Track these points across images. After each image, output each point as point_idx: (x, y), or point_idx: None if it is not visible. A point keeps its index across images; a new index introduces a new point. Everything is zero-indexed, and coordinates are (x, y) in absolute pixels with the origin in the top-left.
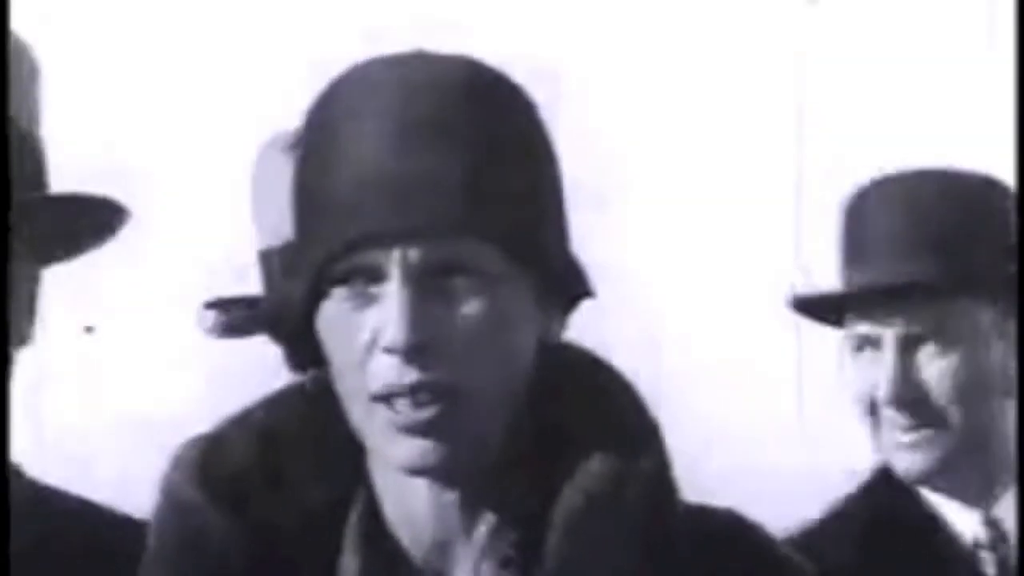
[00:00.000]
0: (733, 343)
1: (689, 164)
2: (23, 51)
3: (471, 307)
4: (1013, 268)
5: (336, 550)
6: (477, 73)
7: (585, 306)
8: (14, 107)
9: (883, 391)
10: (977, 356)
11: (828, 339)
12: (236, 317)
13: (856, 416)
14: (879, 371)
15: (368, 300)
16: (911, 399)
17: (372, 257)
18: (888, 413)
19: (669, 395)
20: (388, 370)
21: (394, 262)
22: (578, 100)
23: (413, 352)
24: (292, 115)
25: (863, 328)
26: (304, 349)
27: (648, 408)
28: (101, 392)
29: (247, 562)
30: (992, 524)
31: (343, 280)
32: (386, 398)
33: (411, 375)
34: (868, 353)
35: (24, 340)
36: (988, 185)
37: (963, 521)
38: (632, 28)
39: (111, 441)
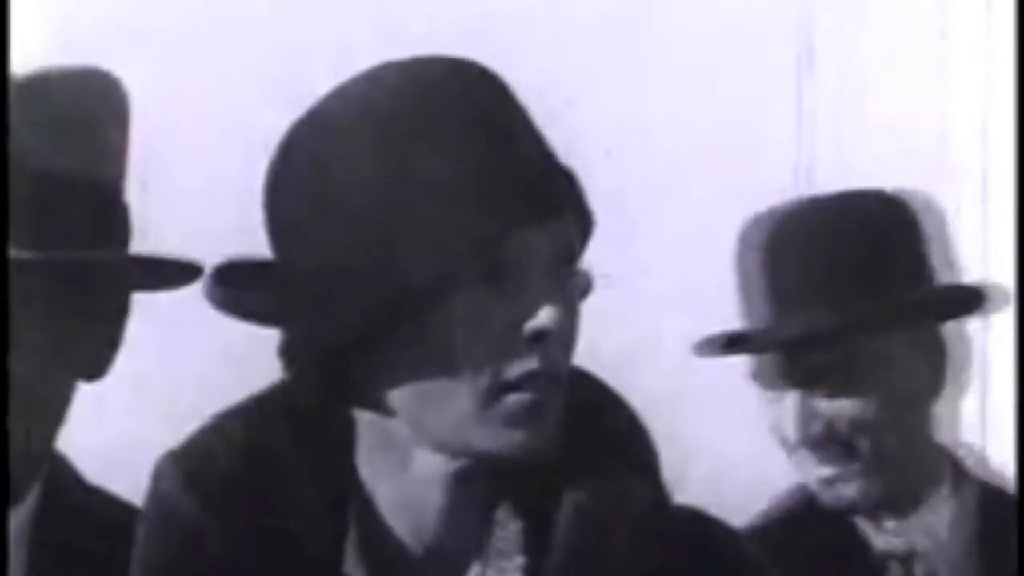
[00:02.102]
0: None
1: (688, 160)
2: (114, 101)
3: (576, 293)
4: (924, 283)
5: (336, 556)
6: (468, 64)
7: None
8: (94, 160)
9: (790, 433)
10: (890, 379)
11: None
12: (256, 298)
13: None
14: (784, 411)
15: (502, 293)
16: (817, 438)
17: (514, 246)
18: (801, 451)
19: (661, 406)
20: (531, 357)
21: (535, 249)
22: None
23: (559, 336)
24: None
25: (765, 369)
26: (343, 354)
27: (641, 420)
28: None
29: (245, 569)
30: (904, 537)
31: (470, 277)
32: (514, 387)
33: (551, 360)
34: (773, 393)
35: (100, 373)
36: (888, 204)
37: (877, 534)
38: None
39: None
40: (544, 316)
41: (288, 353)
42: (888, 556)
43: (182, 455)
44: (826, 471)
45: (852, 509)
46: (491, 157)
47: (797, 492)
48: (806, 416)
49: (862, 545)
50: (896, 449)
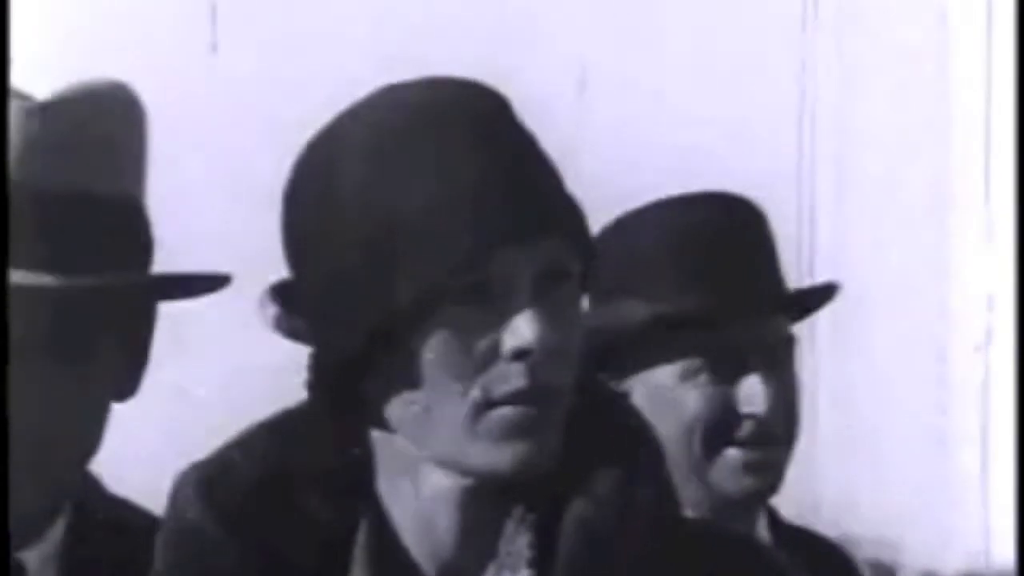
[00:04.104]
0: None
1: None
2: (135, 116)
3: (571, 311)
4: (781, 283)
5: (345, 569)
6: (473, 84)
7: None
8: (122, 178)
9: (705, 418)
10: (791, 370)
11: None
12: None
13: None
14: (705, 400)
15: (486, 310)
16: (760, 418)
17: (497, 264)
18: (738, 436)
19: None
20: (514, 374)
21: (519, 267)
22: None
23: (544, 354)
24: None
25: (669, 361)
26: (350, 372)
27: (652, 428)
28: None
29: None
30: None
31: (454, 294)
32: (501, 403)
33: (536, 378)
34: (694, 381)
35: (131, 391)
36: (745, 206)
37: None
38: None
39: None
40: (525, 334)
41: (308, 371)
42: None
43: (202, 470)
44: (751, 455)
45: (755, 499)
46: (483, 175)
47: None
48: (721, 403)
49: None
50: (790, 452)
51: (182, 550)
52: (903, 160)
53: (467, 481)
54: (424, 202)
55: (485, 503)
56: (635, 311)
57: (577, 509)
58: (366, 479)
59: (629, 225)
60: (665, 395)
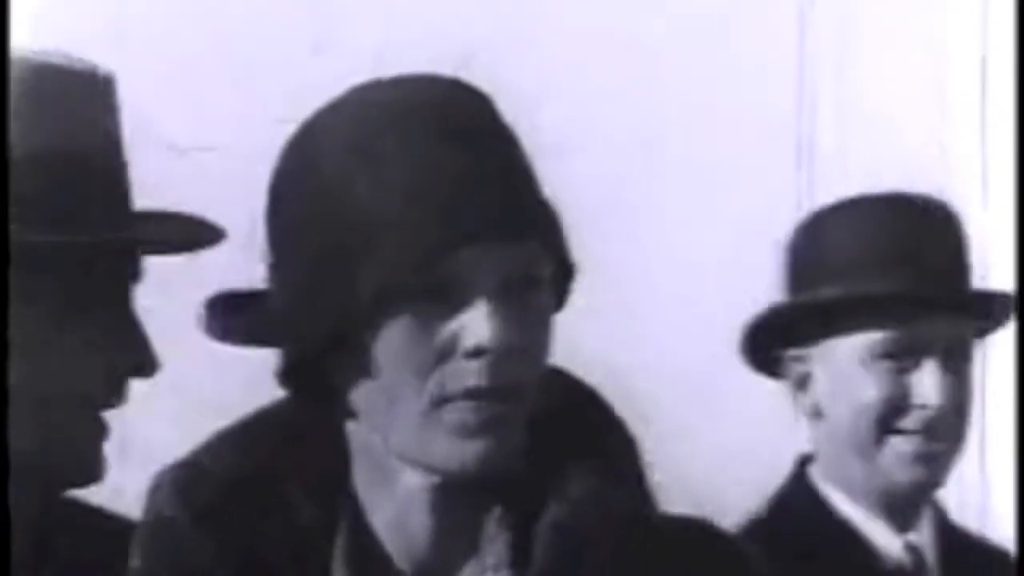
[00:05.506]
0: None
1: (682, 165)
2: (101, 78)
3: (537, 312)
4: (971, 285)
5: (323, 569)
6: (458, 83)
7: (574, 311)
8: (91, 139)
9: (878, 402)
10: (968, 373)
11: None
12: (246, 321)
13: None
14: (882, 385)
15: (446, 306)
16: (939, 408)
17: (463, 262)
18: (907, 424)
19: (657, 408)
20: (469, 372)
21: (485, 266)
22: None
23: (501, 354)
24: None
25: (861, 340)
26: (322, 364)
27: (627, 427)
28: None
29: None
30: (913, 550)
31: (415, 288)
32: (455, 399)
33: (492, 377)
34: (874, 366)
35: (155, 367)
36: (942, 207)
37: (886, 544)
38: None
39: None
40: (482, 332)
41: (280, 360)
42: (904, 572)
43: (180, 468)
44: (919, 446)
45: (920, 492)
46: (458, 173)
47: (795, 487)
48: (892, 390)
49: (864, 549)
50: (957, 452)
51: (159, 548)
52: (898, 150)
53: (435, 479)
54: (396, 197)
55: (458, 502)
56: (828, 292)
57: (552, 512)
58: (343, 478)
59: (832, 219)
60: (844, 378)
